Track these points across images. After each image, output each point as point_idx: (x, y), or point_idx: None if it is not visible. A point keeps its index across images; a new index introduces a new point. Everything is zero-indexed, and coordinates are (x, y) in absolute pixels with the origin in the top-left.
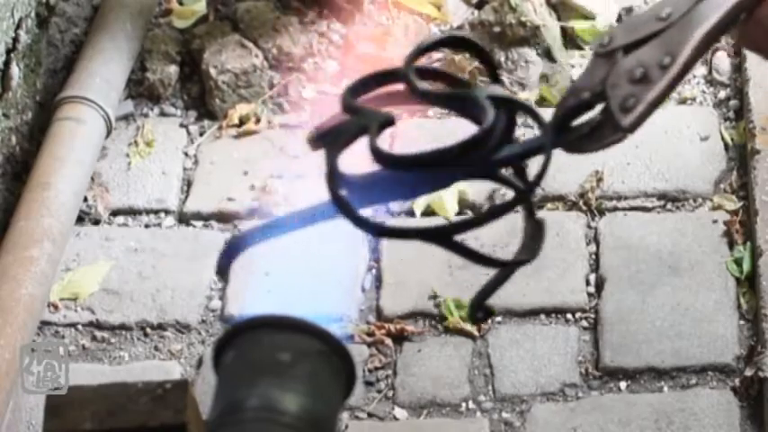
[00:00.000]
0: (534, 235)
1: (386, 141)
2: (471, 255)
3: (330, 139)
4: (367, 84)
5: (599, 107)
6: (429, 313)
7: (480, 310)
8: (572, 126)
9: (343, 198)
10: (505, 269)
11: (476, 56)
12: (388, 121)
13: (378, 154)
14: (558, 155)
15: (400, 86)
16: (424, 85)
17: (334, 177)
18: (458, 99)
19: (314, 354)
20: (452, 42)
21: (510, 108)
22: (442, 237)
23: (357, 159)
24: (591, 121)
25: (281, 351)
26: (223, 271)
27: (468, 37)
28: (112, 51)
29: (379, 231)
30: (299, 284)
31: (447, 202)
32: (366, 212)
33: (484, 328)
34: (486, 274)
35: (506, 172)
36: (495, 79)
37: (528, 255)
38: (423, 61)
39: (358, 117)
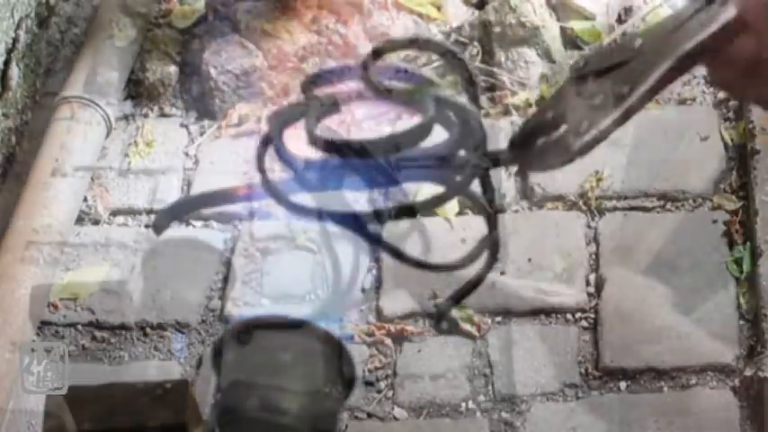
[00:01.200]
0: (491, 247)
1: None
2: (385, 247)
3: (276, 120)
4: (326, 76)
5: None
6: (429, 313)
7: (445, 321)
8: (532, 144)
9: (265, 171)
10: (469, 283)
11: (447, 58)
12: (332, 106)
13: (312, 136)
14: None
15: (359, 84)
16: (382, 82)
17: (265, 147)
18: (406, 96)
19: (314, 354)
20: (416, 44)
21: (465, 117)
22: (355, 224)
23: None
24: (547, 140)
25: (281, 351)
26: (159, 231)
27: (432, 39)
28: (112, 51)
29: (291, 208)
30: (299, 284)
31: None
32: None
33: (484, 328)
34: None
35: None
36: (470, 82)
37: (470, 262)
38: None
39: (306, 100)
